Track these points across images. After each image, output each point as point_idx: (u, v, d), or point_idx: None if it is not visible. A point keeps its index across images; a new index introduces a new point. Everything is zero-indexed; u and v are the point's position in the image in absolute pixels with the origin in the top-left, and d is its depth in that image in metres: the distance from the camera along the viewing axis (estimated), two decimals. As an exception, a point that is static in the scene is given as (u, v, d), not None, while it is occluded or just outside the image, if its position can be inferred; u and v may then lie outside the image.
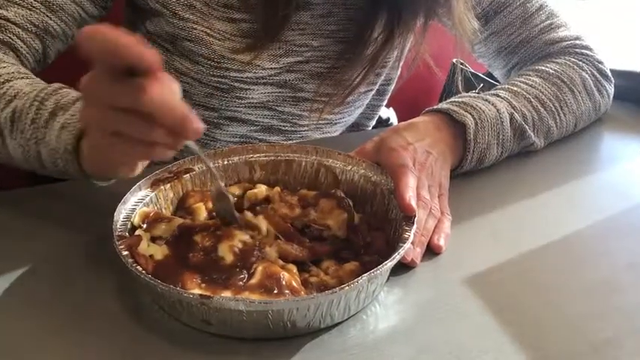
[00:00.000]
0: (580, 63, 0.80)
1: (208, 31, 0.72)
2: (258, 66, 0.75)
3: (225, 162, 0.61)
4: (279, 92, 0.79)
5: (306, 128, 0.82)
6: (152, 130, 0.42)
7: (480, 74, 1.09)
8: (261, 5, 0.71)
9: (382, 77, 0.85)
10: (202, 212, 0.56)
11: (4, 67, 0.61)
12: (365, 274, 0.45)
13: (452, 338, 0.48)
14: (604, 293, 0.53)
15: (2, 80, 0.60)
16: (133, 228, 0.53)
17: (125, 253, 0.47)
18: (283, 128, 0.82)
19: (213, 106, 0.78)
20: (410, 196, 0.55)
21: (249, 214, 0.55)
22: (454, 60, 1.08)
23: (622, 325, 0.50)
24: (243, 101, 0.78)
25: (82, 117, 0.48)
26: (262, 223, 0.53)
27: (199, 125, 0.42)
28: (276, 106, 0.80)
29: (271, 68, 0.76)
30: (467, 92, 0.74)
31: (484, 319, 0.49)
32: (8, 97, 0.58)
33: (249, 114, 0.79)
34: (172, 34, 0.74)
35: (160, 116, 0.41)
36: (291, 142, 0.82)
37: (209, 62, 0.74)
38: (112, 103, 0.42)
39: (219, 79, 0.75)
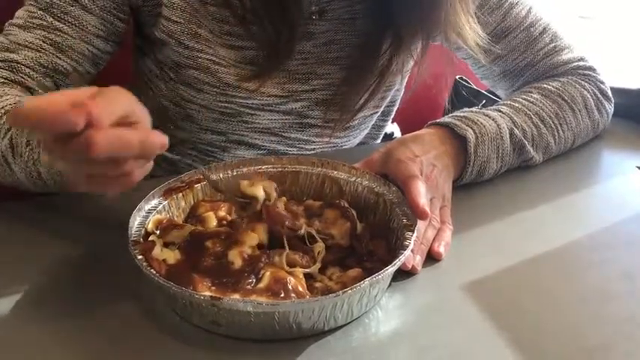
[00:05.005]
0: (582, 82, 0.82)
1: (214, 59, 0.73)
2: (264, 93, 0.76)
3: (235, 173, 0.64)
4: (286, 119, 0.80)
5: (312, 152, 0.84)
6: (120, 166, 0.45)
7: (482, 91, 1.12)
8: (263, 34, 0.72)
9: (387, 100, 0.87)
10: (212, 220, 0.59)
11: (7, 99, 0.64)
12: (367, 279, 0.48)
13: (451, 341, 0.50)
14: (599, 301, 0.55)
15: (2, 112, 0.63)
16: (147, 234, 0.55)
17: (140, 257, 0.50)
18: (289, 152, 0.82)
19: (220, 130, 0.79)
20: (423, 202, 0.57)
21: (244, 183, 0.58)
22: (457, 77, 1.11)
23: (615, 331, 0.52)
24: (249, 125, 0.78)
25: (55, 166, 0.51)
26: (259, 191, 0.56)
27: (163, 140, 0.45)
28: (283, 132, 0.81)
29: (277, 96, 0.77)
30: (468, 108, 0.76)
31: (482, 324, 0.51)
32: (6, 126, 0.62)
33: (255, 138, 0.80)
34: (177, 63, 0.75)
35: (119, 156, 0.43)
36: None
37: (214, 89, 0.75)
38: (71, 158, 0.44)
39: (226, 105, 0.76)
